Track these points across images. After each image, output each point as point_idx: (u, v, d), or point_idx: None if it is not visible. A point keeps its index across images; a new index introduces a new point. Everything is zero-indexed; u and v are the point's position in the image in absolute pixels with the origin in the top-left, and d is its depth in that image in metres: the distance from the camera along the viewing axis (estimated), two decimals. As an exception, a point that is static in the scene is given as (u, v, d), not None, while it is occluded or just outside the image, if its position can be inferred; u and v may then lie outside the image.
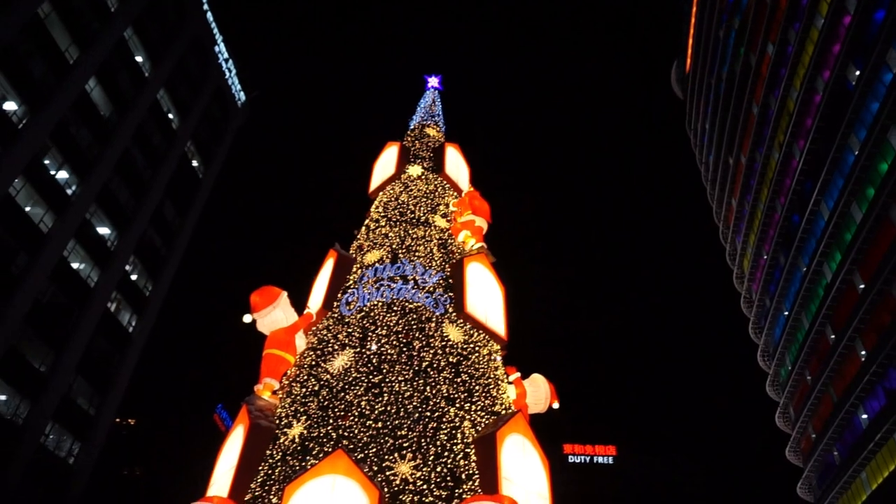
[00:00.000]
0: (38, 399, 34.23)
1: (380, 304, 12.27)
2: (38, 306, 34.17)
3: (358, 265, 13.69)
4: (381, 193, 16.19)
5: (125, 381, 42.37)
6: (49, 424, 35.39)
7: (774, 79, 43.97)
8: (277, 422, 11.20)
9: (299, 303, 13.31)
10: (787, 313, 44.75)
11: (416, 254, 13.45)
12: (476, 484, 9.81)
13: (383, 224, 14.55)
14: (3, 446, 31.63)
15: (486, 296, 13.24)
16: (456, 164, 16.96)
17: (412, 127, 18.48)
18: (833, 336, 38.19)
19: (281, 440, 10.78)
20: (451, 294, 12.77)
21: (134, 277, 43.89)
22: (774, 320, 47.80)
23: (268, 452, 10.76)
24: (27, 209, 34.03)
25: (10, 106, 32.90)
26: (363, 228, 15.14)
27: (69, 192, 36.95)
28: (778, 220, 44.47)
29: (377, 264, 13.17)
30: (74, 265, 37.99)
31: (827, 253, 37.72)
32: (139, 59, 43.64)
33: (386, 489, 9.31)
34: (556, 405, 13.54)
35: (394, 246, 13.70)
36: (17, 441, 32.52)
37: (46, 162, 35.61)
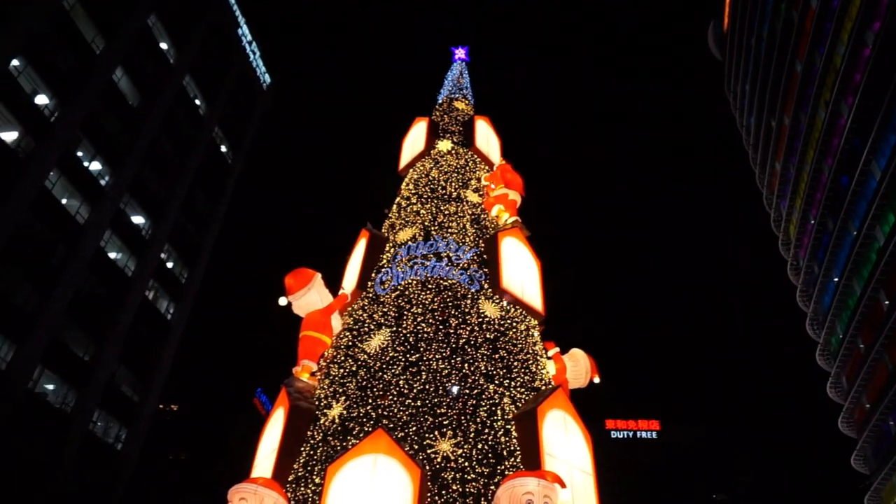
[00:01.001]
0: (83, 388, 35.43)
1: (414, 282, 12.32)
2: (79, 297, 35.23)
3: (390, 244, 13.75)
4: (411, 170, 16.18)
5: (166, 368, 43.54)
6: (96, 412, 36.65)
7: (819, 34, 42.36)
8: (317, 403, 11.40)
9: (333, 284, 13.46)
10: (836, 280, 43.59)
11: (449, 230, 13.44)
12: (518, 460, 9.87)
13: (414, 201, 14.55)
14: (54, 434, 32.90)
15: (521, 270, 13.18)
16: (486, 138, 16.82)
17: (440, 101, 18.35)
18: (887, 302, 37.11)
19: (321, 421, 10.98)
20: (485, 270, 12.76)
21: (170, 265, 44.87)
22: (824, 287, 46.62)
23: (308, 433, 10.98)
24: (63, 201, 34.95)
25: (41, 100, 33.70)
26: (394, 206, 15.17)
27: (102, 182, 37.82)
28: (825, 182, 43.14)
29: (410, 242, 13.21)
30: (111, 255, 39.00)
31: (879, 215, 36.48)
32: (164, 45, 44.17)
33: (427, 467, 9.43)
34: (596, 380, 13.49)
35: (426, 223, 13.72)
36: (66, 429, 33.79)
37: (79, 154, 36.47)
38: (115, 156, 38.85)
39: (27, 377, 31.64)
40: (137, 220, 41.65)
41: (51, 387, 34.32)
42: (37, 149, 32.64)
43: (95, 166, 37.79)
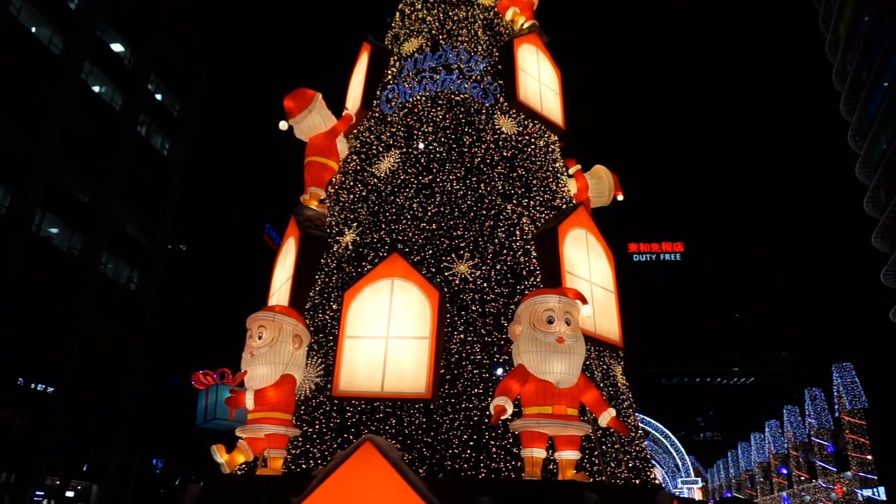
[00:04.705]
0: (88, 230, 36.37)
1: (423, 98, 11.98)
2: (70, 136, 34.99)
3: (395, 57, 13.20)
4: (413, -29, 15.12)
5: (172, 208, 44.28)
6: (104, 255, 37.92)
7: None
8: (328, 230, 11.63)
9: (337, 105, 13.15)
10: (886, 85, 41.99)
11: (459, 39, 12.79)
12: (538, 280, 10.16)
13: (419, 7, 13.71)
14: (67, 278, 34.35)
15: (540, 81, 12.74)
16: (496, -73, 15.47)
17: None
18: (940, 108, 35.96)
19: (334, 248, 11.26)
20: (500, 82, 12.31)
21: (159, 98, 43.96)
22: (871, 95, 45.02)
23: (322, 261, 11.32)
24: (33, 30, 33.55)
25: None
26: (397, 14, 14.34)
27: (72, 6, 36.01)
28: (886, -29, 40.06)
29: (416, 54, 12.65)
30: (95, 88, 38.13)
31: (944, 8, 34.24)
32: None
33: (446, 289, 9.76)
34: (620, 197, 13.54)
35: (433, 31, 13.04)
36: (78, 272, 35.20)
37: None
38: (81, -26, 36.59)
39: (28, 221, 32.40)
40: (117, 48, 40.17)
41: (55, 230, 35.24)
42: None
43: (61, -13, 35.75)
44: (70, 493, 33.79)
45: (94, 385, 34.13)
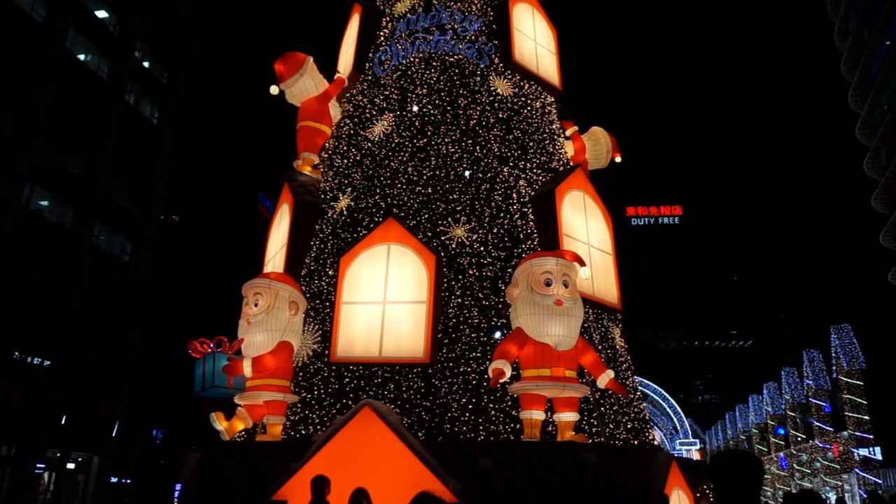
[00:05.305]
0: (80, 202, 36.12)
1: (417, 60, 11.84)
2: (57, 107, 34.54)
3: (388, 18, 13.01)
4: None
5: (164, 178, 43.96)
6: (96, 227, 37.71)
7: None
8: (322, 196, 11.57)
9: (328, 68, 12.99)
10: (888, 43, 41.62)
11: (453, -3, 12.60)
12: (535, 242, 10.17)
13: (411, -35, 13.49)
14: (59, 251, 34.24)
15: (535, 41, 12.59)
16: None
17: None
18: (942, 65, 35.69)
19: (329, 214, 11.22)
20: (495, 42, 12.16)
21: (147, 65, 43.34)
22: (873, 53, 44.66)
23: (317, 227, 11.29)
24: (14, -3, 32.93)
25: None
26: (388, -26, 14.12)
27: (54, -29, 35.30)
28: (889, -76, 39.42)
29: (409, 15, 12.46)
30: (80, 57, 37.56)
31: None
32: None
33: (443, 253, 9.76)
34: (618, 159, 13.48)
35: (426, -10, 12.84)
36: (70, 245, 35.07)
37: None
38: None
39: (18, 194, 32.16)
40: (101, 14, 39.47)
41: (45, 203, 35.01)
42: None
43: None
44: (71, 465, 34.13)
45: (91, 357, 34.27)
